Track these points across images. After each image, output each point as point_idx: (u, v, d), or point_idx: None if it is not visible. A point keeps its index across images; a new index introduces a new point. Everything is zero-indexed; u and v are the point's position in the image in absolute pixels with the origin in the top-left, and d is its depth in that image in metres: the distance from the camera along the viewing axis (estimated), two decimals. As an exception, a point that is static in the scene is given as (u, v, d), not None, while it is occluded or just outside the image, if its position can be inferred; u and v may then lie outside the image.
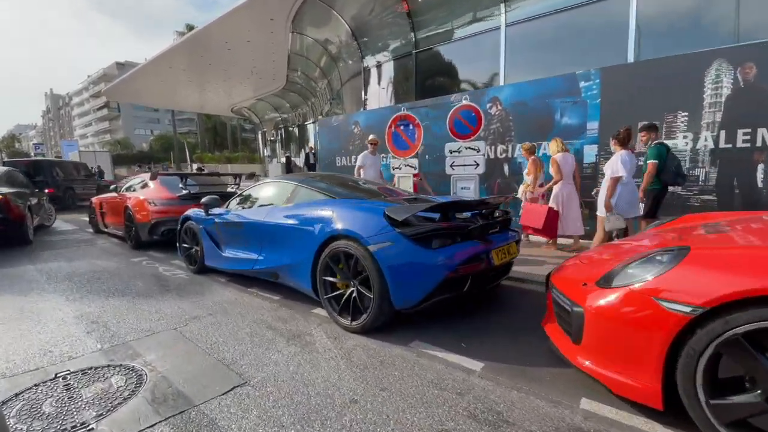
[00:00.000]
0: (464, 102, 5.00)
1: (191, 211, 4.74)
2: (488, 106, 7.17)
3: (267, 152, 26.62)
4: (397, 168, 5.63)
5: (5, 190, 6.46)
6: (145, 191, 6.39)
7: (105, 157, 29.77)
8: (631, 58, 6.79)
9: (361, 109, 12.82)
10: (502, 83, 8.23)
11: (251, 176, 6.89)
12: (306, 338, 2.71)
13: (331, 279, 2.93)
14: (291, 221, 3.27)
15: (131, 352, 2.54)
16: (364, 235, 2.61)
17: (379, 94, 11.58)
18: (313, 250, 2.98)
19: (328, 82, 15.04)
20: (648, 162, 4.40)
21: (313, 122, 20.23)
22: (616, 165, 4.21)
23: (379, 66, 11.69)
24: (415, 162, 5.41)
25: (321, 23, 12.04)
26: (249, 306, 3.43)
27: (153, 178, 6.11)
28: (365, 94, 11.65)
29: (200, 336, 2.79)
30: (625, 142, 4.31)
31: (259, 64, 15.99)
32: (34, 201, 7.46)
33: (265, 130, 26.55)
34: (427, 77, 9.90)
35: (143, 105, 39.05)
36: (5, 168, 7.58)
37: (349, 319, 2.76)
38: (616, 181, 4.23)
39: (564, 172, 5.10)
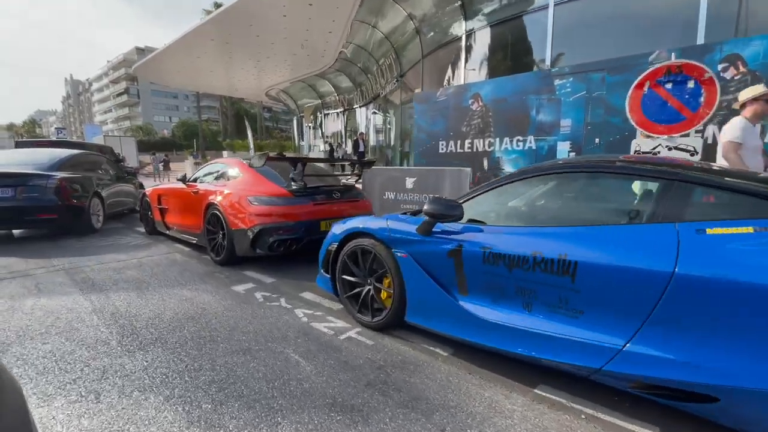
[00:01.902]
0: None
1: (364, 222, 2.72)
2: (721, 67, 4.98)
3: (303, 140, 24.68)
4: (650, 153, 3.57)
5: (64, 174, 5.64)
6: (238, 183, 4.42)
7: (130, 143, 28.38)
8: None
9: (446, 84, 10.68)
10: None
11: (370, 164, 4.85)
12: None
13: None
14: None
15: None
16: None
17: (477, 66, 9.41)
18: None
19: (396, 56, 12.89)
20: None
21: (362, 106, 18.15)
22: None
23: (472, 32, 9.49)
24: (696, 143, 3.35)
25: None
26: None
27: (258, 164, 4.09)
28: (465, 64, 9.47)
29: None
30: None
31: (313, 36, 13.94)
32: (113, 187, 7.06)
33: (302, 115, 24.57)
34: (569, 37, 7.69)
35: (171, 86, 37.47)
36: (76, 151, 6.82)
37: None
38: None
39: None
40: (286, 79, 20.39)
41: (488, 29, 9.07)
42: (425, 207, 2.17)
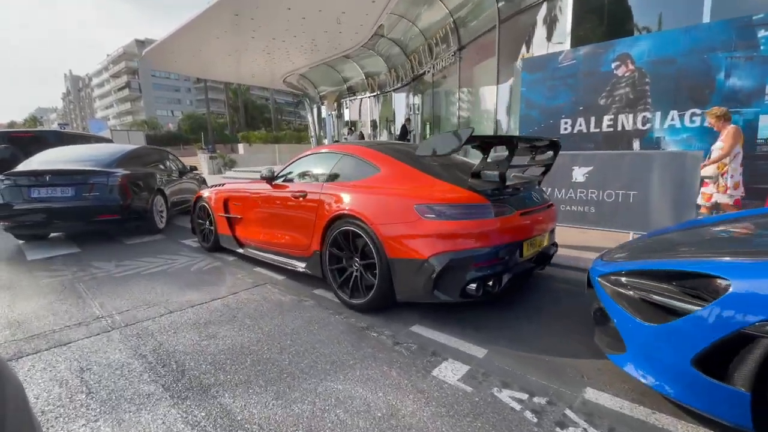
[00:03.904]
0: None
1: None
2: None
3: (325, 128, 22.91)
4: None
5: (126, 171, 5.07)
6: (384, 182, 2.76)
7: (139, 137, 26.81)
8: None
9: (525, 54, 8.91)
10: None
11: (556, 148, 3.12)
12: None
13: None
14: None
15: None
16: None
17: (587, 25, 7.64)
18: None
19: (455, 26, 11.06)
20: None
21: (400, 88, 16.34)
22: None
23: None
24: None
25: None
26: None
27: (448, 147, 2.33)
28: (571, 23, 7.67)
29: None
30: None
31: (352, 7, 12.12)
32: (176, 184, 6.39)
33: (322, 103, 22.77)
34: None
35: (182, 74, 35.66)
36: (136, 146, 6.56)
37: None
38: None
39: None
40: (311, 61, 18.50)
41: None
42: None
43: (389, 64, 16.59)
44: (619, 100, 5.48)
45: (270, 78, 23.47)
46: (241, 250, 4.06)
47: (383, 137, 17.80)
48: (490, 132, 9.80)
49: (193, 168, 7.31)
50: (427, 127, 14.78)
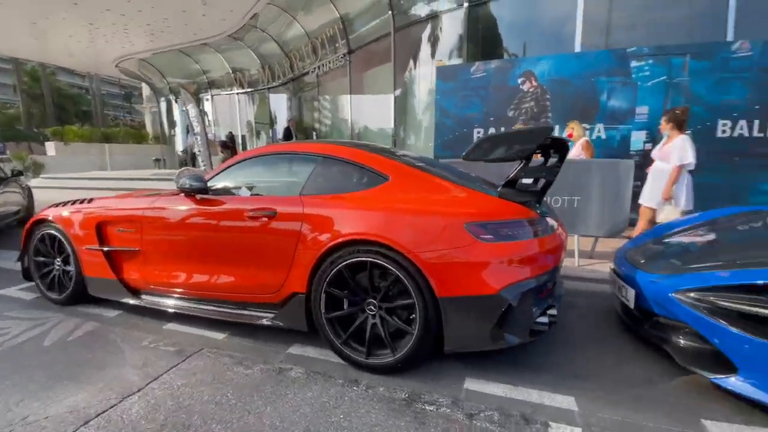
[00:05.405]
0: None
1: None
2: None
3: (177, 127, 19.43)
4: None
5: None
6: (401, 190, 2.06)
7: None
8: None
9: (413, 66, 9.19)
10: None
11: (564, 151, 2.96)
12: None
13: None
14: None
15: None
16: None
17: (481, 43, 8.18)
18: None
19: (343, 27, 10.58)
20: None
21: (278, 86, 14.98)
22: (685, 151, 3.58)
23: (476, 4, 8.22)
24: None
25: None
26: None
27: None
28: (466, 41, 8.04)
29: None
30: (684, 124, 3.71)
31: (224, -13, 10.45)
32: None
33: (173, 96, 19.21)
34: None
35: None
36: None
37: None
38: (682, 168, 3.62)
39: None
40: (159, 46, 15.19)
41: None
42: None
43: (263, 60, 15.05)
44: (525, 113, 5.97)
45: (96, 61, 18.52)
46: (132, 301, 2.67)
47: (262, 140, 16.06)
48: (386, 140, 9.73)
49: (17, 173, 5.07)
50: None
